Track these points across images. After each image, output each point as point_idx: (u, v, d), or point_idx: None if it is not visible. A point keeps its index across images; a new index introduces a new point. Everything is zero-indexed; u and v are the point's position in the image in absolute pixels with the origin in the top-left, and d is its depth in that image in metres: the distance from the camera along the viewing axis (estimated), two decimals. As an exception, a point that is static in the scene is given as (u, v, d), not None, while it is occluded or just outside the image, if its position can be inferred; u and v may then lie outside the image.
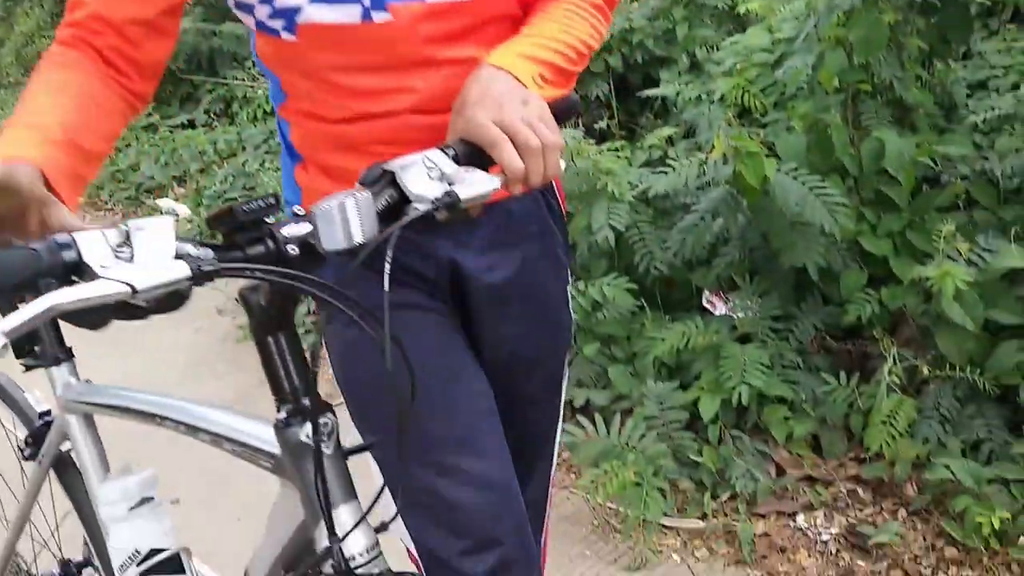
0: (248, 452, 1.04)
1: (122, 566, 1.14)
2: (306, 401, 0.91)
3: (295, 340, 0.92)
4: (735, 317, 2.63)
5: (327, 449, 0.90)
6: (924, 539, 2.07)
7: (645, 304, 2.77)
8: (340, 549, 0.88)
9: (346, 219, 0.85)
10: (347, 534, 0.89)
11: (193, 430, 1.12)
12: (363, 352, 1.14)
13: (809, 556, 2.11)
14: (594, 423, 2.41)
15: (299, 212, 0.86)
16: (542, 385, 1.32)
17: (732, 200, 2.57)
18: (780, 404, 2.43)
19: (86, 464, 1.33)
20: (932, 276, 2.14)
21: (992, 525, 1.94)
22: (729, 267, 2.73)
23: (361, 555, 0.90)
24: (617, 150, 2.96)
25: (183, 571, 1.18)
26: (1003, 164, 2.42)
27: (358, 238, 0.85)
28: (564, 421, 2.57)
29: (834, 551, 2.11)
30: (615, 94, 3.68)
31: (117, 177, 5.93)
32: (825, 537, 2.14)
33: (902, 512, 2.15)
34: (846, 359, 2.51)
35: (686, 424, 2.42)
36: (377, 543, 0.93)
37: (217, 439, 1.08)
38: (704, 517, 2.26)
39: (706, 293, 2.79)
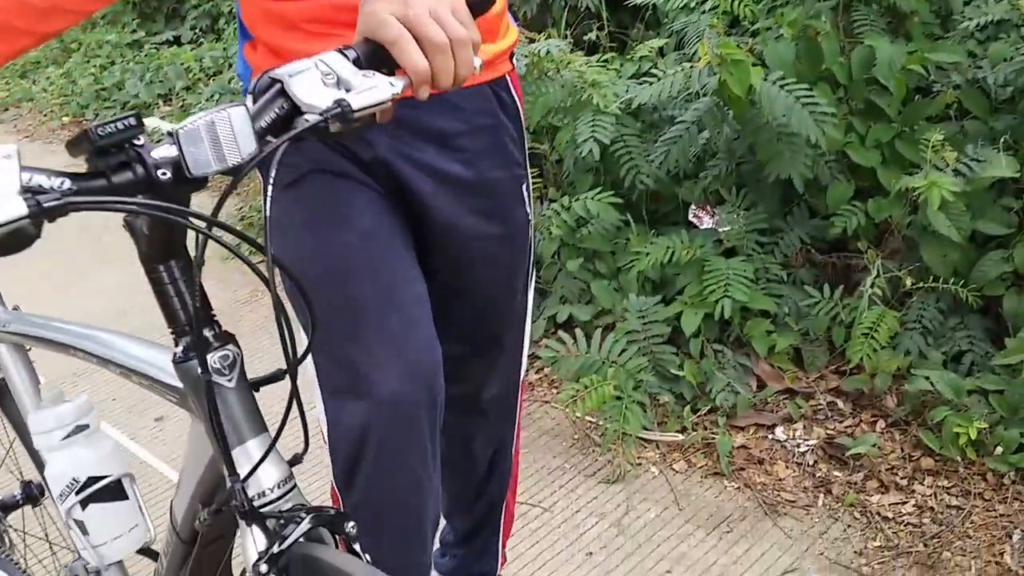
0: (155, 385, 1.01)
1: (61, 495, 1.12)
2: (207, 331, 0.86)
3: (188, 268, 0.86)
4: (720, 231, 2.60)
5: (229, 382, 0.86)
6: (901, 450, 2.07)
7: (631, 219, 2.73)
8: (243, 488, 0.86)
9: (216, 138, 0.77)
10: (249, 473, 0.86)
11: (104, 362, 1.10)
12: (289, 234, 1.18)
13: (786, 468, 2.11)
14: (575, 338, 2.40)
15: (171, 131, 0.79)
16: (496, 281, 1.31)
17: (718, 111, 2.51)
18: (763, 318, 2.42)
19: (19, 393, 1.30)
20: (919, 186, 2.10)
21: (969, 436, 1.94)
22: (716, 180, 2.68)
23: (272, 490, 0.87)
24: (606, 62, 2.89)
25: (126, 497, 1.15)
26: (995, 72, 2.36)
27: (232, 159, 0.78)
28: (546, 337, 2.57)
29: (811, 463, 2.11)
30: (605, 4, 3.58)
31: (102, 96, 5.83)
32: (803, 449, 2.15)
33: (880, 424, 2.15)
34: (830, 272, 2.49)
35: (668, 339, 2.41)
36: (291, 476, 0.90)
37: (126, 372, 1.06)
38: (683, 431, 2.26)
39: (693, 207, 2.75)
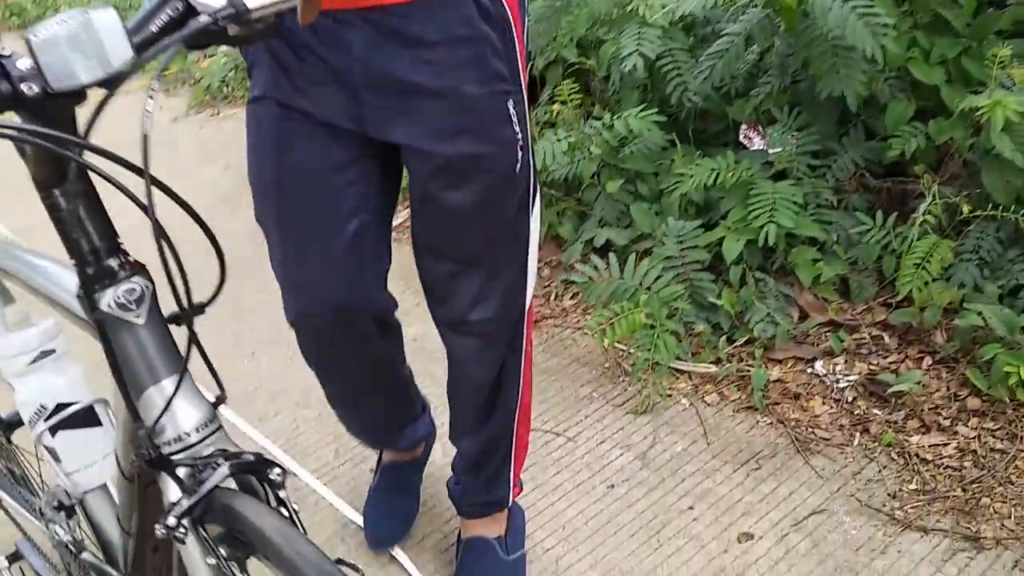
0: (75, 318, 0.96)
1: (30, 421, 1.10)
2: (111, 262, 0.81)
3: (86, 195, 0.80)
4: (770, 152, 2.46)
5: (137, 318, 0.81)
6: (947, 389, 1.95)
7: (676, 139, 2.61)
8: (147, 434, 0.80)
9: (80, 45, 0.70)
10: (159, 418, 0.81)
11: (32, 289, 1.06)
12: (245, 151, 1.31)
13: (823, 404, 2.02)
14: (608, 263, 2.31)
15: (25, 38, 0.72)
16: (475, 201, 1.25)
17: (768, 22, 2.34)
18: (810, 245, 2.29)
19: None
20: (983, 106, 1.94)
21: (1020, 376, 1.81)
22: (768, 99, 2.53)
23: (189, 434, 0.82)
24: (654, -31, 2.72)
25: (99, 423, 1.12)
26: (1078, -20, 2.14)
27: (103, 68, 0.70)
28: (580, 261, 2.49)
29: (850, 399, 2.01)
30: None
31: None
32: (842, 385, 2.04)
33: (927, 361, 2.03)
34: (884, 198, 2.34)
35: (707, 266, 2.30)
36: (214, 419, 0.84)
37: (52, 302, 1.02)
38: (718, 362, 2.17)
39: (743, 126, 2.61)
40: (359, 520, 1.91)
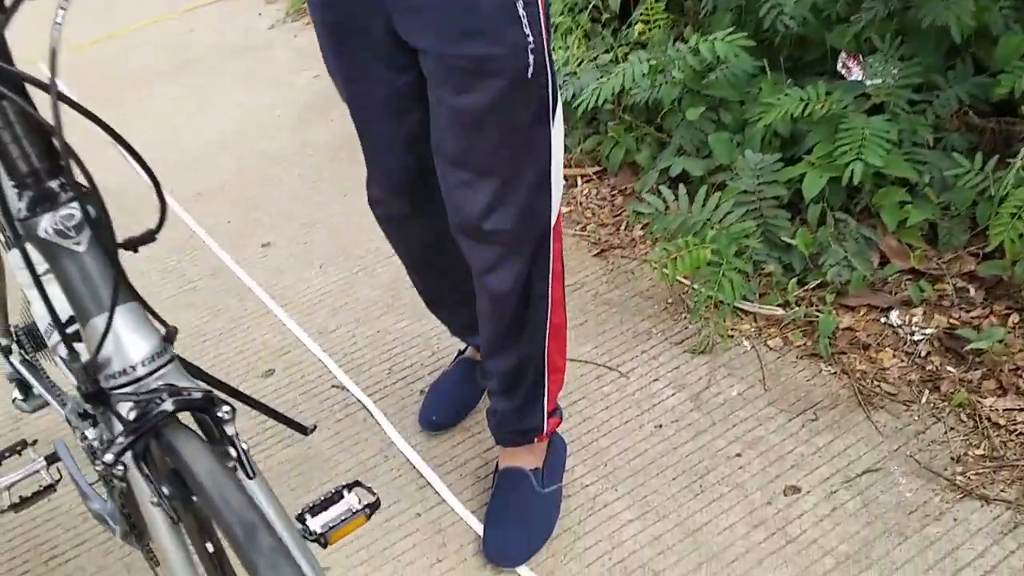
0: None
1: (46, 331, 1.10)
2: (50, 185, 0.77)
3: (27, 113, 0.75)
4: (868, 84, 2.29)
5: (78, 245, 0.77)
6: (1031, 350, 1.81)
7: (767, 66, 2.45)
8: (82, 368, 0.77)
9: None
10: (96, 352, 0.77)
11: None
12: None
13: (894, 356, 1.90)
14: (678, 194, 2.20)
15: None
16: (484, 107, 1.23)
17: (873, -59, 2.15)
18: (899, 186, 2.14)
19: None
20: (1104, 42, 1.74)
21: (1114, 342, 1.66)
22: (871, 26, 2.34)
23: (136, 367, 0.79)
24: None
25: None
26: None
27: None
28: (651, 193, 2.39)
29: (923, 354, 1.88)
30: None
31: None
32: (917, 338, 1.92)
33: (1013, 318, 1.88)
34: (987, 139, 2.15)
35: (785, 203, 2.17)
36: (164, 352, 0.81)
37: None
38: (785, 305, 2.07)
39: (841, 55, 2.43)
40: (402, 442, 1.91)
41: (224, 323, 2.42)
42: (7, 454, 1.53)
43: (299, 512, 1.07)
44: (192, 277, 2.65)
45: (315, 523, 1.05)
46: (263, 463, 1.93)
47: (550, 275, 1.44)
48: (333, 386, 2.12)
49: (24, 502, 1.53)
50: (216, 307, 2.49)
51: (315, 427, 1.71)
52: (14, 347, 1.66)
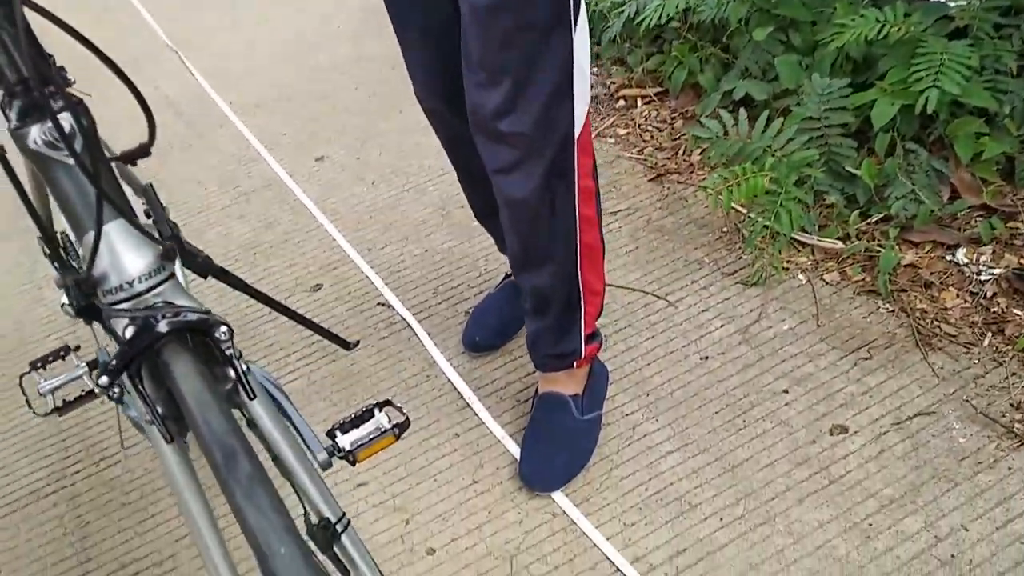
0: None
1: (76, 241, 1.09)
2: (39, 95, 0.73)
3: (13, 19, 0.71)
4: (951, 6, 2.15)
5: (68, 157, 0.74)
6: (1106, 296, 1.71)
7: (843, -16, 2.31)
8: (74, 283, 0.75)
9: None
10: (89, 267, 0.74)
11: None
12: None
13: (957, 296, 1.81)
14: (739, 119, 2.11)
15: None
16: (497, 7, 1.19)
17: None
18: (976, 117, 2.02)
19: None
20: None
21: None
22: (959, -59, 2.19)
23: (133, 283, 0.76)
24: None
25: None
26: None
27: None
28: (709, 116, 2.29)
29: (989, 295, 1.79)
30: None
31: None
32: (984, 278, 1.82)
33: (1089, 261, 1.78)
34: (1077, 69, 2.01)
35: (852, 131, 2.07)
36: (162, 268, 0.78)
37: None
38: (846, 238, 1.98)
39: (925, -26, 2.28)
40: (444, 362, 1.90)
41: (275, 236, 2.42)
42: (51, 359, 1.55)
43: (330, 428, 1.06)
44: (246, 189, 2.64)
45: (344, 440, 1.04)
46: (306, 377, 1.94)
47: (576, 190, 1.38)
48: (379, 303, 2.11)
49: (67, 406, 1.55)
50: (268, 220, 2.49)
51: (358, 343, 1.71)
52: (61, 253, 1.67)
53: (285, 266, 2.30)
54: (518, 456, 1.67)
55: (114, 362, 0.75)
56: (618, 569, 1.47)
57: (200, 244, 2.38)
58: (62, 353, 1.56)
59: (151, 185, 0.86)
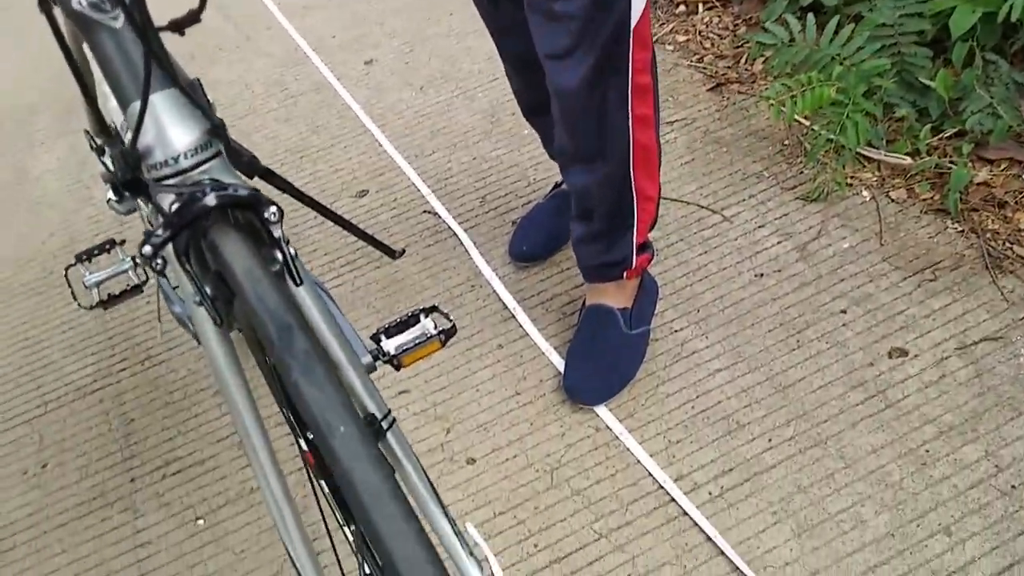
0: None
1: (122, 127, 1.05)
2: None
3: None
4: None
5: (115, 20, 0.68)
6: None
7: None
8: (120, 154, 0.70)
9: None
10: (134, 138, 0.70)
11: None
12: None
13: (1032, 217, 1.72)
14: (806, 25, 2.00)
15: None
16: None
17: None
18: (1065, 27, 1.88)
19: None
20: None
21: None
22: None
23: (179, 159, 0.71)
24: None
25: None
26: None
27: None
28: (775, 22, 2.17)
29: (1067, 216, 1.70)
30: None
31: None
32: (1062, 198, 1.72)
33: None
34: None
35: (928, 40, 1.95)
36: (210, 144, 0.73)
37: None
38: (915, 154, 1.88)
39: None
40: (489, 272, 1.86)
41: (322, 140, 2.37)
42: (96, 252, 1.54)
43: (374, 332, 1.03)
44: (294, 92, 2.59)
45: (389, 344, 1.01)
46: (350, 283, 1.92)
47: (629, 85, 1.31)
48: (425, 211, 2.06)
49: (112, 300, 1.55)
50: (315, 123, 2.45)
51: (404, 251, 1.67)
52: (107, 147, 1.65)
53: (331, 171, 2.26)
54: (562, 369, 1.63)
55: (159, 231, 0.71)
56: (661, 486, 1.43)
57: (246, 146, 2.35)
58: (108, 247, 1.55)
59: (199, 80, 0.82)
